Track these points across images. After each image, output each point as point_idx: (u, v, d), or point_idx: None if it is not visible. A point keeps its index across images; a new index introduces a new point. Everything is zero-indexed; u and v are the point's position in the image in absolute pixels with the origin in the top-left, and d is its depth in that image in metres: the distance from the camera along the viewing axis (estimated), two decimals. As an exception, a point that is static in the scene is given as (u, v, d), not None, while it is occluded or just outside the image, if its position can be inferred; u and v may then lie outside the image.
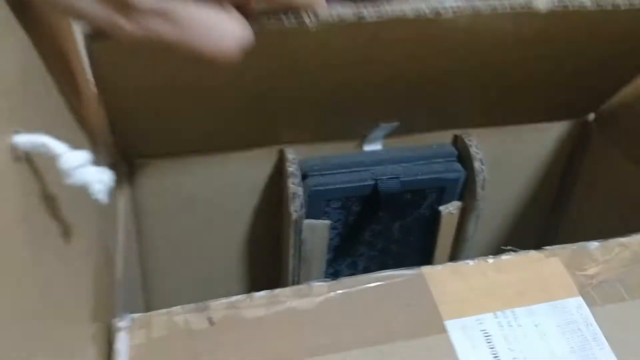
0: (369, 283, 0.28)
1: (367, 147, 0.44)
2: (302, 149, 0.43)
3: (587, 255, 0.29)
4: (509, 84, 0.39)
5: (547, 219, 0.54)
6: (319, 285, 0.28)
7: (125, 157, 0.40)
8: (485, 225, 0.49)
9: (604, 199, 0.46)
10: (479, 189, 0.44)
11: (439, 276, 0.29)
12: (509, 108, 0.44)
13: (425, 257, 0.49)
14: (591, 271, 0.29)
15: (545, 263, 0.29)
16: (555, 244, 0.30)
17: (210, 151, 0.42)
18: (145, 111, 0.35)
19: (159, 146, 0.41)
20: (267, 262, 0.50)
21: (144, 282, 0.47)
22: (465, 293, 0.28)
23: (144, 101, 0.34)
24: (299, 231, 0.42)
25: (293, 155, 0.42)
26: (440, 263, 0.49)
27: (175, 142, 0.41)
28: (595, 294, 0.28)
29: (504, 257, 0.29)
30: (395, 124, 0.42)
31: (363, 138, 0.44)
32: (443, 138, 0.46)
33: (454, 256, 0.49)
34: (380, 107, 0.40)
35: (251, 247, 0.48)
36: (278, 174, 0.44)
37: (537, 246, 0.30)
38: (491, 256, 0.30)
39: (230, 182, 0.44)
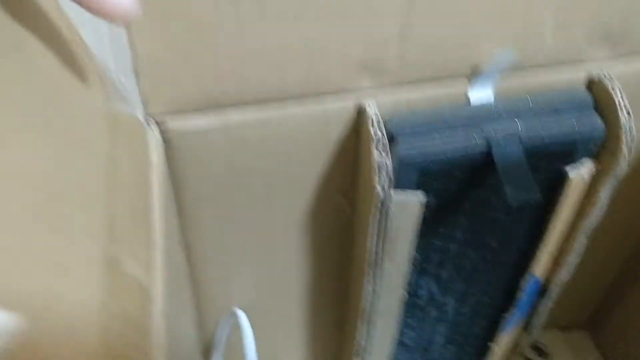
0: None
1: (474, 96, 0.33)
2: (385, 100, 0.32)
3: None
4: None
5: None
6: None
7: (152, 115, 0.31)
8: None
9: None
10: (624, 148, 0.33)
11: None
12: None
13: (535, 233, 0.39)
14: None
15: None
16: None
17: (265, 101, 0.32)
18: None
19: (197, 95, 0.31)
20: (339, 241, 0.41)
21: (190, 270, 0.39)
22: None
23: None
24: (384, 210, 0.33)
25: (375, 110, 0.32)
26: (553, 244, 0.40)
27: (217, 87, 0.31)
28: None
29: None
30: (512, 55, 0.31)
31: (469, 81, 0.33)
32: (572, 82, 0.34)
33: (571, 235, 0.38)
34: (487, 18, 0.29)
35: (319, 225, 0.39)
36: (354, 135, 0.34)
37: None
38: None
39: (291, 146, 0.34)
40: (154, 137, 0.30)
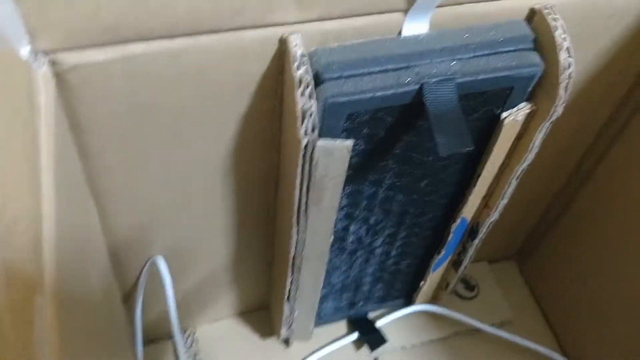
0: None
1: (408, 30, 0.30)
2: (312, 34, 0.29)
3: None
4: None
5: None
6: None
7: (41, 50, 0.26)
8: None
9: None
10: (561, 91, 0.31)
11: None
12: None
13: (466, 177, 0.38)
14: None
15: None
16: None
17: (174, 37, 0.28)
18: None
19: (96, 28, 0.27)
20: (265, 185, 0.38)
21: (102, 218, 0.35)
22: None
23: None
24: (310, 158, 0.30)
25: (300, 47, 0.28)
26: (484, 187, 0.39)
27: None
28: None
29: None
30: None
31: (404, 12, 0.30)
32: (513, 14, 0.32)
33: (502, 178, 0.37)
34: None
35: (242, 170, 0.36)
36: (278, 73, 0.30)
37: None
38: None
39: (206, 83, 0.30)
40: (41, 74, 0.26)
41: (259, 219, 0.41)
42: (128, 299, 0.45)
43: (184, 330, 0.51)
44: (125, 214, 0.37)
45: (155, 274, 0.42)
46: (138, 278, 0.43)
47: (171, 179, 0.35)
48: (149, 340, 0.49)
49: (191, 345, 0.50)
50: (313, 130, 0.28)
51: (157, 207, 0.37)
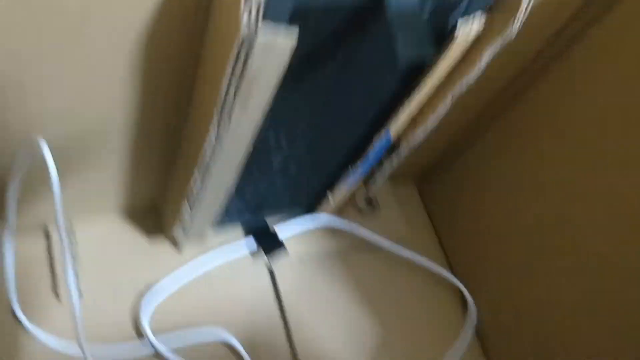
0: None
1: None
2: None
3: None
4: None
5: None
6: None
7: None
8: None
9: None
10: (519, 14, 0.29)
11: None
12: None
13: (402, 90, 0.35)
14: None
15: None
16: None
17: None
18: None
19: None
20: (176, 74, 0.33)
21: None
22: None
23: None
24: (247, 46, 0.26)
25: None
26: (418, 103, 0.36)
27: None
28: None
29: None
30: None
31: None
32: None
33: (438, 96, 0.35)
34: None
35: (155, 46, 0.31)
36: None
37: None
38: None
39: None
40: None
41: (166, 113, 0.36)
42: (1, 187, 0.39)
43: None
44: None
45: (35, 163, 0.37)
46: (12, 162, 0.37)
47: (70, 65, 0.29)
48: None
49: (70, 242, 0.45)
50: (257, 14, 0.24)
51: (41, 77, 0.31)
